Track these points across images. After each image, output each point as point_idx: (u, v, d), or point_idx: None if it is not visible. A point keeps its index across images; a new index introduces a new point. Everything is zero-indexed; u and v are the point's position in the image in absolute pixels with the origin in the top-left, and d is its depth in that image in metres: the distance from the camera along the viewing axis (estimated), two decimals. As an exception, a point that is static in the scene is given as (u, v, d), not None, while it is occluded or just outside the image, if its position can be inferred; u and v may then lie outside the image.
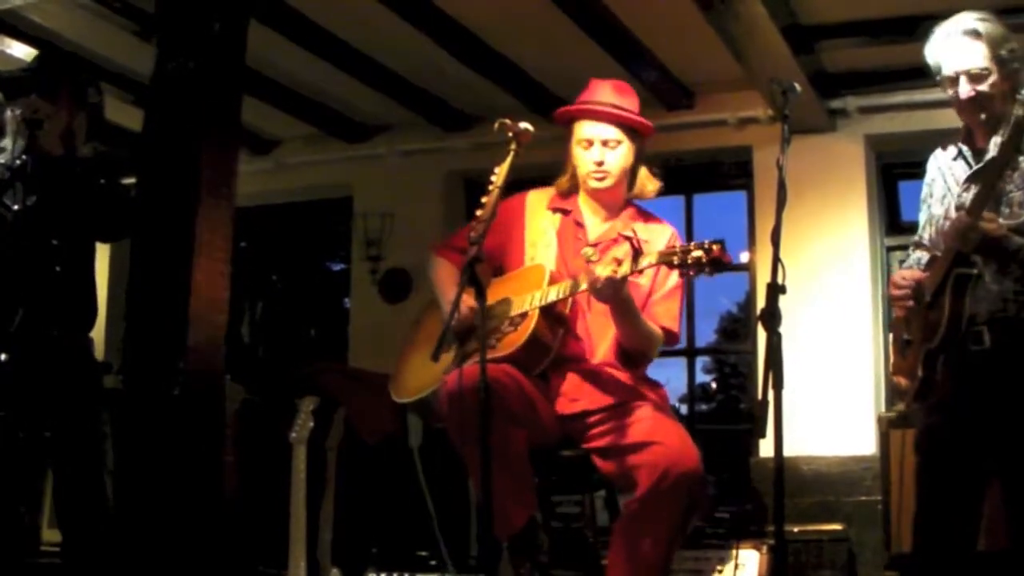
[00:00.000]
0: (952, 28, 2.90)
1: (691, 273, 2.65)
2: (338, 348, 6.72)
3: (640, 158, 3.17)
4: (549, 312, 2.95)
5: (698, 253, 2.60)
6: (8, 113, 3.33)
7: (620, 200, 3.19)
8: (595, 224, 3.17)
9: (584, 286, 2.85)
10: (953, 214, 2.86)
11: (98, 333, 3.55)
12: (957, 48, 2.87)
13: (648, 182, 3.19)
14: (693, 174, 6.33)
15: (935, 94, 5.00)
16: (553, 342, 2.97)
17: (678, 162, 6.04)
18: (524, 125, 2.93)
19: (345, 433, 4.78)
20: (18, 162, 3.27)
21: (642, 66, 5.42)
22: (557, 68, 5.44)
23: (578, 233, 3.15)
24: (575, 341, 3.03)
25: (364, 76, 5.74)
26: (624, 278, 2.79)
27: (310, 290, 7.87)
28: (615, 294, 2.83)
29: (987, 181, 2.75)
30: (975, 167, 2.89)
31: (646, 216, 3.22)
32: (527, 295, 2.98)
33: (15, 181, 3.28)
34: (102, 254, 3.57)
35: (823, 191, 5.54)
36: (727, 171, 6.25)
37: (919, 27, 4.79)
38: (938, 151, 3.07)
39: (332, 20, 5.14)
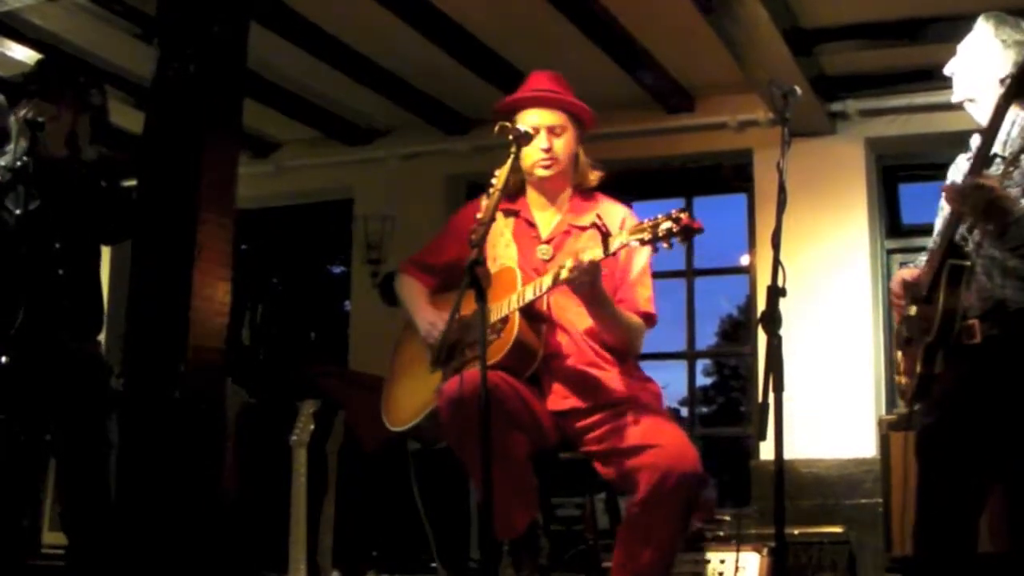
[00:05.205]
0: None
1: (664, 246, 2.61)
2: (338, 351, 6.73)
3: (580, 145, 3.15)
4: (529, 313, 2.93)
5: (668, 224, 2.57)
6: (12, 117, 3.32)
7: (565, 189, 3.15)
8: (545, 220, 3.13)
9: (562, 277, 2.79)
10: None
11: (99, 335, 3.56)
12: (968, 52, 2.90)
13: (589, 170, 3.16)
14: (693, 177, 6.33)
15: (935, 97, 5.03)
16: (538, 342, 2.95)
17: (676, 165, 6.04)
18: (524, 128, 2.93)
19: (345, 436, 4.77)
20: (19, 164, 3.27)
21: (642, 69, 5.42)
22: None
23: (531, 232, 3.11)
24: (556, 339, 3.00)
25: (365, 79, 5.74)
26: (597, 263, 2.75)
27: (311, 293, 7.88)
28: (592, 282, 2.79)
29: (984, 142, 2.74)
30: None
31: (594, 197, 3.17)
32: (503, 299, 2.93)
33: (17, 184, 3.28)
34: (102, 256, 3.56)
35: (823, 194, 5.54)
36: (727, 174, 6.24)
37: (919, 30, 4.85)
38: (959, 157, 3.07)
39: (333, 23, 5.15)
